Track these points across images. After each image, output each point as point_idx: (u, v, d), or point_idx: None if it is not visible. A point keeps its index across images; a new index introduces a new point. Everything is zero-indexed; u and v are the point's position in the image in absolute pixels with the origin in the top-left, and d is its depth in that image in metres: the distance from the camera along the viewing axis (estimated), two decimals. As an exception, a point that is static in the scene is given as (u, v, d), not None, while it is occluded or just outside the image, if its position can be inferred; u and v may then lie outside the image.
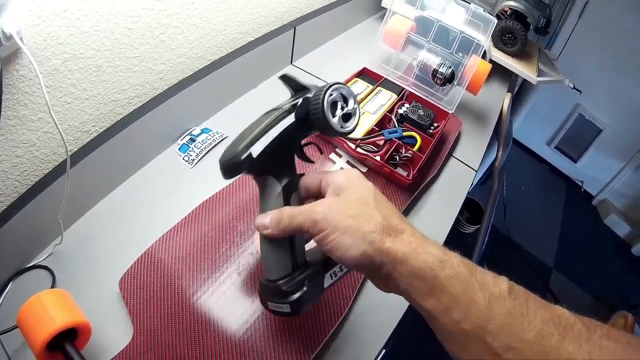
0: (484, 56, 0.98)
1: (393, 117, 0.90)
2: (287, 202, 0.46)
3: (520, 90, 1.53)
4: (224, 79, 0.85)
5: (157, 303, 0.57)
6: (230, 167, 0.45)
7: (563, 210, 2.52)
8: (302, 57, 1.12)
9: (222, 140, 0.83)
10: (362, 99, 0.92)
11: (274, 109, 0.46)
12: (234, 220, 0.67)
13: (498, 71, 1.23)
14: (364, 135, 0.83)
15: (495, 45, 1.24)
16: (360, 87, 0.97)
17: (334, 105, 0.44)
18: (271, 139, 0.44)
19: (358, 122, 0.47)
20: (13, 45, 0.49)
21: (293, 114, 0.45)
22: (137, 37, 0.69)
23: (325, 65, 1.10)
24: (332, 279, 0.46)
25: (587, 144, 2.48)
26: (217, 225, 0.66)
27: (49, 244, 0.63)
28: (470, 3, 0.94)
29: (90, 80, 0.65)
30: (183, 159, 0.79)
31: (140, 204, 0.71)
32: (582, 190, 2.64)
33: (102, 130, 0.70)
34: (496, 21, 0.91)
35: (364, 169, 0.83)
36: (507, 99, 1.19)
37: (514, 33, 1.19)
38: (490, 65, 0.96)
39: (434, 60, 0.98)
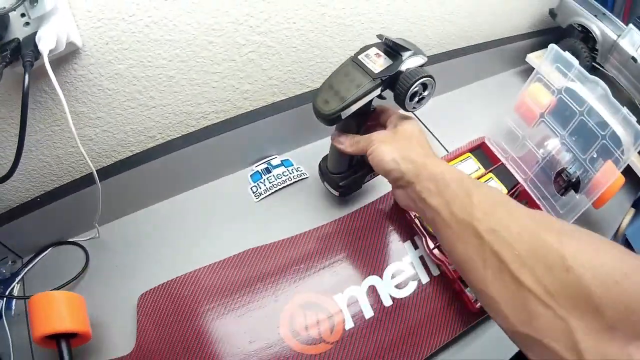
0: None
1: None
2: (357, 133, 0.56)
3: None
4: None
5: (167, 331, 0.53)
6: (322, 120, 0.52)
7: None
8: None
9: (300, 179, 0.68)
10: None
11: (365, 68, 0.51)
12: (268, 283, 0.58)
13: (628, 177, 0.84)
14: None
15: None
16: (470, 167, 0.73)
17: (414, 93, 0.51)
18: (360, 106, 0.50)
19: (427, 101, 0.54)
20: (69, 46, 0.46)
21: (380, 88, 0.50)
22: (220, 52, 0.57)
23: (442, 119, 0.85)
24: (370, 178, 0.64)
25: None
26: (248, 281, 0.58)
27: (92, 229, 0.60)
28: (623, 107, 0.63)
29: (159, 90, 0.57)
30: (251, 188, 0.67)
31: (189, 223, 0.63)
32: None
33: (169, 139, 0.63)
34: None
35: (436, 273, 0.62)
36: (628, 217, 0.86)
37: None
38: (624, 180, 0.68)
39: (564, 156, 0.69)
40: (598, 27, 0.88)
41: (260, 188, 0.66)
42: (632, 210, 0.86)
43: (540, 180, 0.71)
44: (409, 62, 0.51)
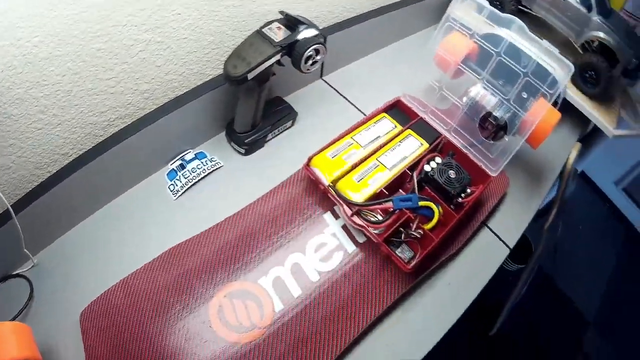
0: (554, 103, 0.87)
1: (415, 176, 0.84)
2: (259, 99, 0.87)
3: (593, 133, 1.35)
4: (229, 96, 0.90)
5: (110, 343, 0.69)
6: (231, 82, 0.79)
7: (617, 258, 2.61)
8: (335, 71, 1.13)
9: (215, 169, 0.90)
10: (383, 144, 0.88)
11: (268, 38, 0.80)
12: (192, 279, 0.76)
13: (571, 114, 1.13)
14: (368, 200, 0.81)
15: (572, 82, 1.13)
16: (384, 127, 0.93)
17: (308, 57, 0.81)
18: (263, 69, 0.78)
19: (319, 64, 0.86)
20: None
21: (280, 54, 0.79)
22: (110, 57, 0.77)
23: (357, 87, 1.11)
24: (272, 136, 0.97)
25: (660, 192, 2.52)
26: (173, 281, 0.76)
27: (29, 260, 0.78)
28: (542, 39, 0.82)
29: (60, 106, 0.76)
30: (168, 187, 0.88)
31: (116, 233, 0.83)
32: (643, 241, 2.64)
33: (81, 153, 0.82)
34: (573, 69, 0.80)
35: (361, 240, 0.82)
36: (574, 151, 1.07)
37: (597, 71, 1.09)
38: (559, 115, 0.86)
39: (489, 101, 0.88)
40: None
41: (176, 185, 0.88)
42: (578, 145, 1.08)
43: (466, 129, 0.91)
44: (305, 33, 0.79)
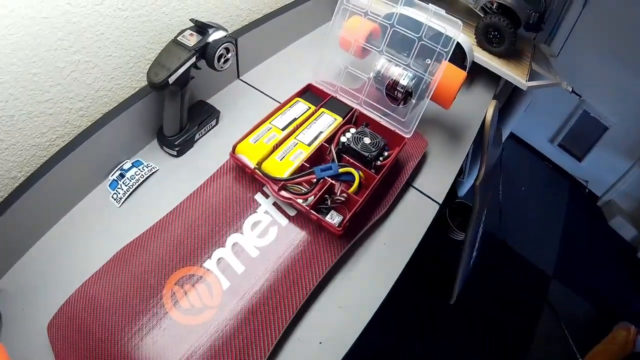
0: (461, 62, 1.12)
1: (332, 148, 1.08)
2: (182, 102, 1.10)
3: (514, 92, 1.67)
4: (155, 105, 1.14)
5: (78, 351, 0.83)
6: (154, 88, 1.01)
7: (565, 212, 3.11)
8: (250, 70, 1.42)
9: (152, 174, 1.14)
10: (299, 124, 1.12)
11: (183, 45, 1.03)
12: (145, 274, 0.94)
13: (484, 75, 1.40)
14: (292, 174, 1.03)
15: (479, 44, 1.38)
16: (299, 109, 1.18)
17: (220, 56, 1.05)
18: (181, 72, 1.01)
19: (231, 61, 1.11)
20: None
21: (194, 57, 1.02)
22: (45, 80, 0.97)
23: (272, 81, 1.39)
24: (200, 136, 1.22)
25: (592, 142, 3.03)
26: (126, 280, 0.93)
27: None
28: (429, 3, 1.06)
29: (5, 131, 0.92)
30: (112, 197, 1.10)
31: (72, 246, 1.02)
32: (587, 190, 3.23)
33: (28, 175, 0.99)
34: (461, 24, 1.02)
35: (293, 213, 1.04)
36: (490, 108, 1.30)
37: (500, 30, 1.32)
38: (464, 73, 1.09)
39: (394, 71, 1.13)
40: None
41: (119, 194, 1.09)
42: (494, 102, 1.32)
43: (376, 100, 1.16)
44: (215, 35, 1.06)
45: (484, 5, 1.37)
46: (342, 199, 1.01)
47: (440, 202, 1.14)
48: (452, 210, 2.56)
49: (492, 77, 1.42)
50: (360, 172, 1.05)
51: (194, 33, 1.06)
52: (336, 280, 1.00)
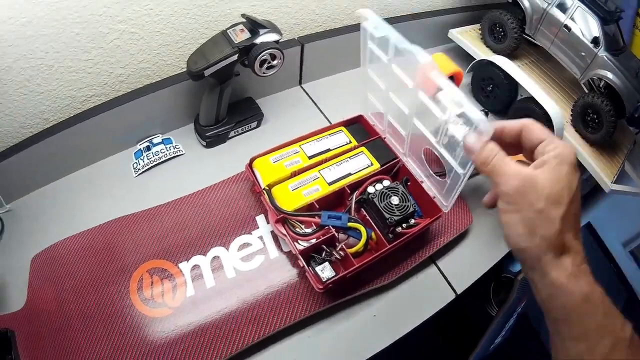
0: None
1: (354, 196, 0.89)
2: (220, 96, 1.00)
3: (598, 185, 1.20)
4: (199, 90, 1.04)
5: (50, 291, 0.84)
6: (191, 76, 0.93)
7: None
8: (314, 80, 1.24)
9: (176, 156, 1.07)
10: (330, 157, 0.96)
11: (229, 39, 0.93)
12: (125, 251, 0.91)
13: None
14: (296, 209, 0.88)
15: (573, 123, 1.11)
16: (337, 140, 1.01)
17: (263, 61, 0.94)
18: (219, 67, 0.92)
19: (277, 69, 0.99)
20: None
21: (237, 55, 0.92)
22: (87, 42, 0.95)
23: (333, 99, 1.22)
24: (235, 134, 1.12)
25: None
26: (109, 247, 0.91)
27: (7, 203, 0.97)
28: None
29: (43, 78, 0.95)
30: (132, 165, 1.05)
31: (81, 196, 1.00)
32: (643, 306, 2.57)
33: (60, 121, 1.01)
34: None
35: (287, 249, 0.92)
36: None
37: (599, 115, 1.05)
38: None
39: (461, 129, 0.89)
40: None
41: (139, 164, 1.05)
42: None
43: (431, 159, 0.95)
44: (264, 37, 0.94)
45: (591, 79, 1.10)
46: (339, 256, 0.85)
47: (459, 293, 0.93)
48: (499, 283, 2.25)
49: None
50: (373, 234, 0.88)
51: (245, 30, 0.95)
52: (302, 334, 0.87)
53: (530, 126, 0.62)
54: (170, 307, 0.84)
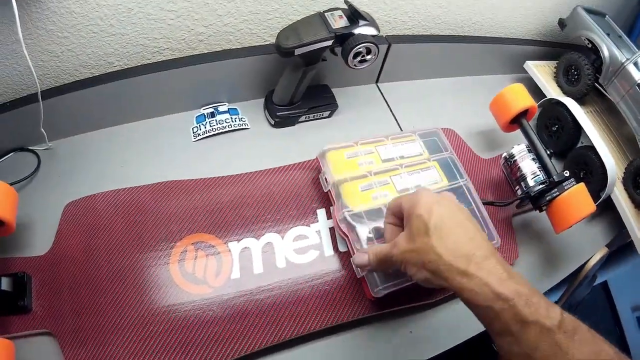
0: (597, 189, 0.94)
1: None
2: (302, 78, 0.93)
3: (629, 245, 1.17)
4: (279, 67, 0.97)
5: (80, 242, 0.78)
6: (279, 51, 0.85)
7: None
8: (392, 81, 1.17)
9: (239, 129, 0.99)
10: (403, 165, 0.90)
11: (326, 23, 0.85)
12: (172, 217, 0.83)
13: (610, 212, 1.07)
14: (364, 211, 0.81)
15: (624, 183, 1.08)
16: (412, 149, 0.94)
17: (357, 53, 0.86)
18: (311, 49, 0.85)
19: (369, 64, 0.91)
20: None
21: (332, 41, 0.85)
22: None
23: (408, 104, 1.15)
24: (305, 119, 1.05)
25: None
26: (155, 210, 0.83)
27: (49, 141, 0.90)
28: None
29: (118, 19, 0.86)
30: (192, 128, 0.97)
31: (132, 150, 0.94)
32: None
33: (125, 67, 0.94)
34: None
35: (343, 248, 0.85)
36: (597, 256, 1.03)
37: None
38: (593, 208, 0.86)
39: (527, 164, 0.90)
40: (607, 46, 1.09)
41: (200, 129, 0.97)
42: (605, 250, 1.05)
43: (495, 181, 0.94)
44: (363, 29, 0.84)
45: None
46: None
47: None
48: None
49: (616, 220, 1.08)
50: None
51: (344, 16, 0.87)
52: (337, 338, 0.81)
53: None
54: (210, 286, 0.77)
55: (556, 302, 1.13)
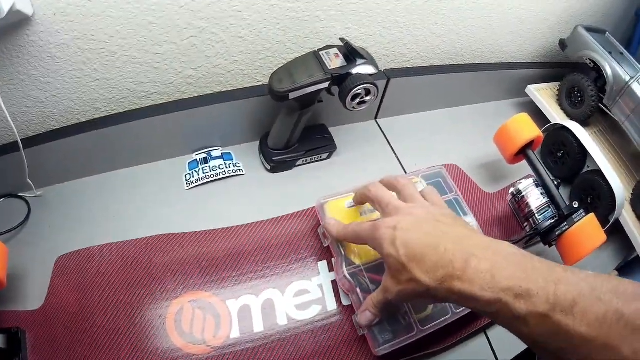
0: (605, 214, 0.89)
1: None
2: (298, 122, 0.85)
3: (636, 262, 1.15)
4: (271, 108, 0.90)
5: (72, 297, 0.72)
6: (272, 95, 0.77)
7: None
8: (392, 116, 1.10)
9: (234, 175, 0.91)
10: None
11: (321, 63, 0.77)
12: (167, 272, 0.77)
13: (619, 237, 1.02)
14: (366, 264, 0.75)
15: (632, 204, 1.02)
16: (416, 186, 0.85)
17: (356, 95, 0.78)
18: (306, 92, 0.77)
19: (368, 106, 0.83)
20: (18, 14, 0.67)
21: (328, 82, 0.77)
22: (161, 34, 0.78)
23: (409, 140, 1.08)
24: (303, 163, 0.95)
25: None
26: (149, 266, 0.77)
27: (38, 188, 0.84)
28: None
29: (102, 63, 0.79)
30: (185, 176, 0.90)
31: (123, 200, 0.86)
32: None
33: (113, 113, 0.87)
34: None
35: (346, 302, 0.78)
36: None
37: None
38: (604, 238, 0.84)
39: (534, 199, 0.85)
40: (610, 66, 1.04)
41: (193, 177, 0.89)
42: (615, 273, 1.00)
43: (501, 216, 0.89)
44: (360, 69, 0.77)
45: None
46: (403, 321, 0.73)
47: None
48: None
49: (625, 243, 1.03)
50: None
51: (340, 55, 0.79)
52: None
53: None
54: (209, 346, 0.71)
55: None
